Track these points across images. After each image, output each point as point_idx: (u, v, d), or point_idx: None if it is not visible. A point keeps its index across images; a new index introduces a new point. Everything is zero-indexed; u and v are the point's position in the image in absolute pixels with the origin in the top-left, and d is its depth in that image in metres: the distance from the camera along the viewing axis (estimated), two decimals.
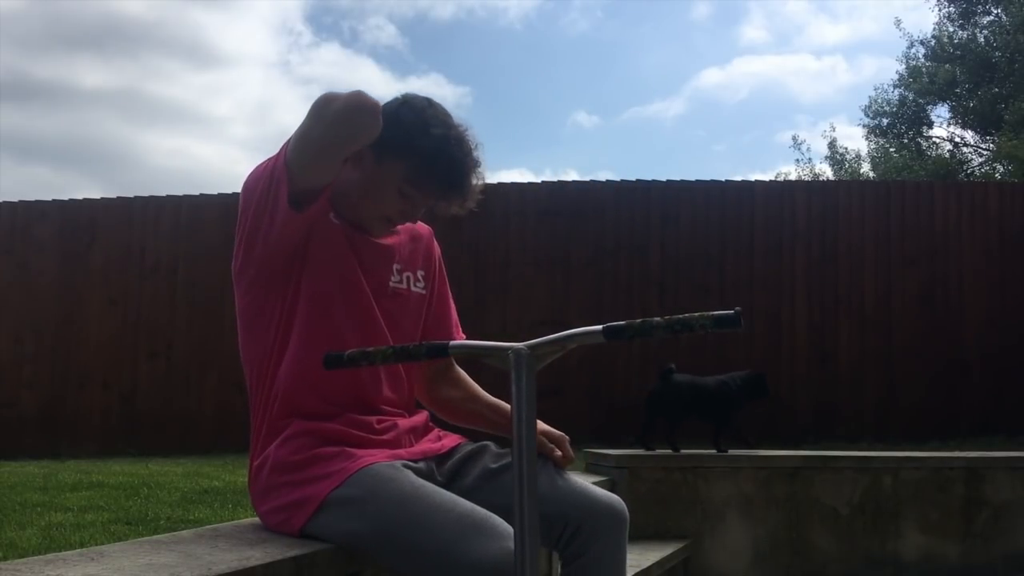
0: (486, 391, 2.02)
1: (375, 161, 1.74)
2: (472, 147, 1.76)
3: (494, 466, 1.78)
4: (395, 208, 1.78)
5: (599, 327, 1.35)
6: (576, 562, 1.72)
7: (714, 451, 4.23)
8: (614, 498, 1.78)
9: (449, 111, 1.78)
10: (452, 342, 1.52)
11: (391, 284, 1.84)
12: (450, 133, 1.73)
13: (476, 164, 1.77)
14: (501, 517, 1.54)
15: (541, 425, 1.81)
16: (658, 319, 1.37)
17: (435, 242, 2.00)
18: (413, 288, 1.89)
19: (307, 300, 1.75)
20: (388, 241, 1.86)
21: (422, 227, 1.98)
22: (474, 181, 1.78)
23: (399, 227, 1.88)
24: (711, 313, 1.34)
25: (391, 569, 1.60)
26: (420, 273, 1.92)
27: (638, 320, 1.38)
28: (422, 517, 1.51)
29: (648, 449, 4.22)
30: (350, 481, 1.61)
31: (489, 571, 1.44)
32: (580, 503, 1.73)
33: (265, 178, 1.69)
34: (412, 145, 1.71)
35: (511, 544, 1.45)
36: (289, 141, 1.66)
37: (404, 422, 1.81)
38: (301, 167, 1.64)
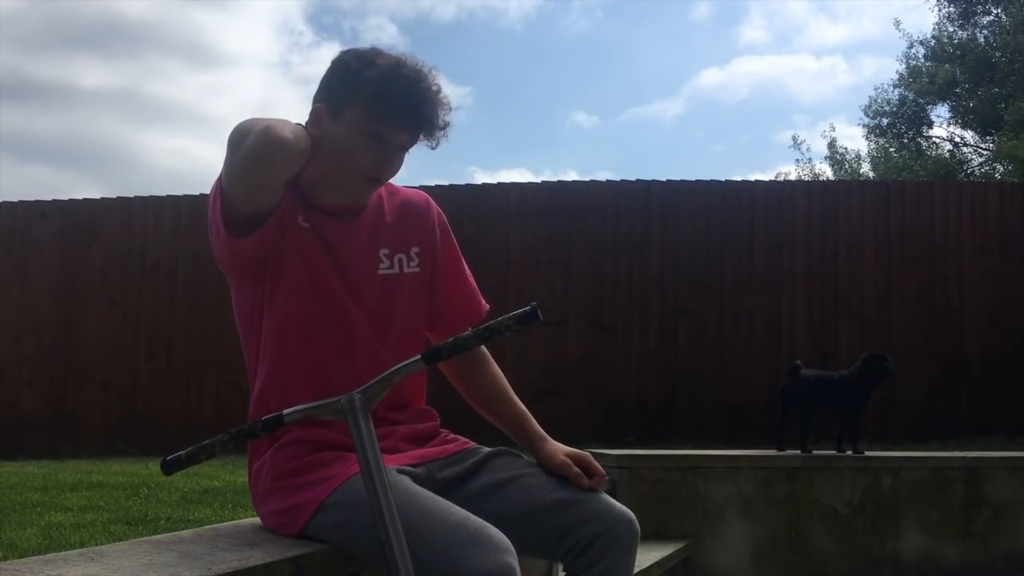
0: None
1: (333, 119, 1.67)
2: (426, 70, 1.69)
3: (503, 476, 1.75)
4: (369, 157, 1.67)
5: (417, 355, 1.44)
6: (587, 572, 1.68)
7: (834, 452, 4.23)
8: (628, 511, 1.75)
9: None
10: (286, 411, 1.48)
11: (380, 271, 1.78)
12: (398, 59, 1.68)
13: (435, 87, 1.69)
14: (507, 527, 1.52)
15: (563, 448, 1.80)
16: (468, 331, 1.45)
17: (433, 208, 1.90)
18: (406, 269, 1.81)
19: (281, 312, 1.72)
20: (370, 226, 1.79)
21: (416, 195, 1.89)
22: (438, 105, 1.69)
23: (386, 203, 1.81)
24: (512, 314, 1.41)
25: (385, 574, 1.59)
26: (414, 251, 1.83)
27: (450, 339, 1.47)
28: (416, 526, 1.48)
29: (780, 450, 4.24)
30: (344, 487, 1.59)
31: None
32: (597, 514, 1.70)
33: (211, 200, 1.67)
34: (361, 81, 1.64)
35: (506, 556, 1.44)
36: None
37: (403, 429, 1.79)
38: (235, 198, 1.62)
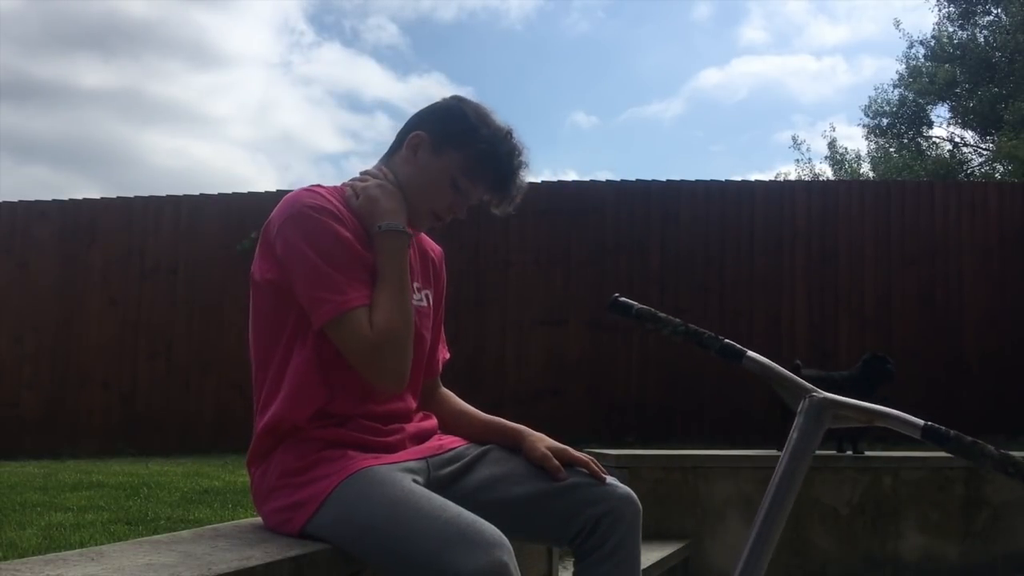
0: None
1: (433, 152, 1.77)
2: (523, 147, 1.81)
3: (501, 469, 1.78)
4: (445, 201, 1.79)
5: (920, 423, 1.29)
6: (594, 554, 1.71)
7: (834, 452, 4.25)
8: (629, 490, 1.79)
9: None
10: (750, 352, 1.47)
11: (413, 303, 1.79)
12: (508, 130, 1.80)
13: (526, 164, 1.81)
14: (512, 516, 1.53)
15: (546, 440, 1.81)
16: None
17: (444, 266, 2.00)
18: (424, 305, 1.87)
19: (296, 338, 1.71)
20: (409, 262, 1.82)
21: (434, 247, 1.97)
22: (523, 182, 1.82)
23: (414, 243, 1.85)
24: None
25: (381, 572, 1.59)
26: (426, 293, 1.89)
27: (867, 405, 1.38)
28: (410, 522, 1.49)
29: (782, 450, 4.22)
30: (346, 483, 1.60)
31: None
32: (600, 495, 1.73)
33: (297, 256, 1.66)
34: (475, 135, 1.75)
35: (497, 552, 1.44)
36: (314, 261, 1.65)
37: (411, 427, 1.80)
38: None
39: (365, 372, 1.64)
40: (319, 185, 1.80)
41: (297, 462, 1.69)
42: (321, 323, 1.63)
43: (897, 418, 1.28)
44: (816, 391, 1.36)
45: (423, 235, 1.95)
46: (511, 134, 1.79)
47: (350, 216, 1.72)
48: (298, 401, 1.70)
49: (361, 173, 1.83)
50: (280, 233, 1.68)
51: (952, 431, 1.26)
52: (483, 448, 1.85)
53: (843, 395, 1.36)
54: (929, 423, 1.28)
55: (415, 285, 1.84)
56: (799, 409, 1.33)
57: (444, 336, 2.02)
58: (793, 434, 1.32)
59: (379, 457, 1.67)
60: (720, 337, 1.46)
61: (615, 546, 1.71)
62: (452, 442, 1.86)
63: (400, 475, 1.62)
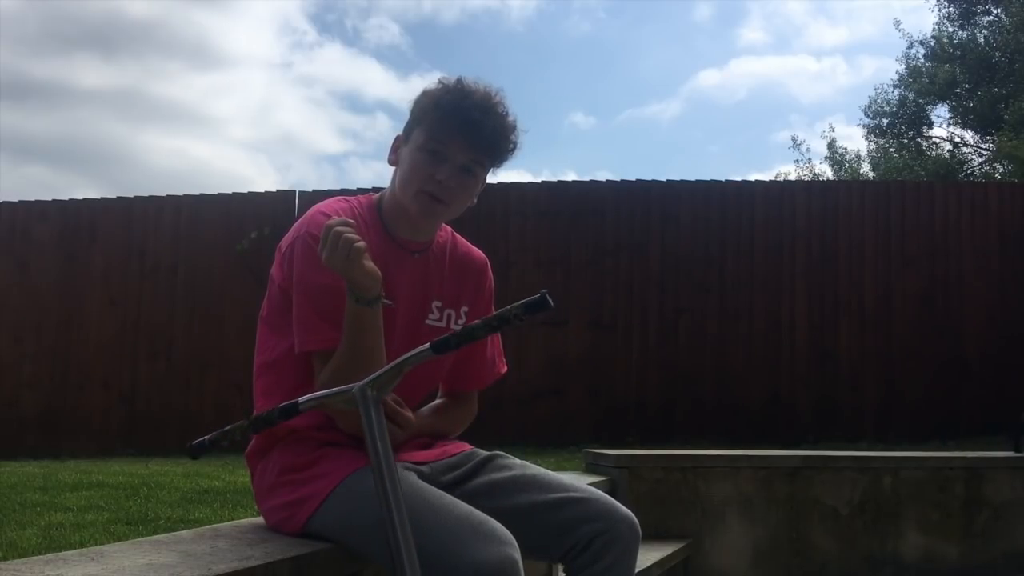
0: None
1: (406, 142, 1.76)
2: (488, 90, 1.73)
3: (501, 476, 1.77)
4: (427, 172, 1.70)
5: (427, 345, 1.38)
6: (584, 572, 1.68)
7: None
8: (630, 514, 1.75)
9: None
10: (302, 398, 1.46)
11: (428, 321, 1.80)
12: (460, 79, 1.74)
13: (495, 104, 1.72)
14: (507, 525, 1.53)
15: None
16: (478, 321, 1.42)
17: (488, 273, 1.92)
18: (453, 326, 1.82)
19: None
20: (431, 268, 1.81)
21: (477, 255, 1.91)
22: (493, 117, 1.71)
23: (448, 253, 1.82)
24: (520, 302, 1.37)
25: (388, 568, 1.59)
26: (463, 309, 1.85)
27: (461, 328, 1.48)
28: (420, 517, 1.49)
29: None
30: (350, 479, 1.61)
31: (490, 571, 1.43)
32: (597, 513, 1.70)
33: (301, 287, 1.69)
34: (427, 101, 1.73)
35: (509, 549, 1.44)
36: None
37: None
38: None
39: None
40: (345, 199, 1.78)
41: (297, 458, 1.69)
42: (296, 348, 1.69)
43: (412, 355, 1.39)
44: (356, 385, 1.41)
45: (462, 244, 1.89)
46: (461, 81, 1.73)
47: (363, 232, 1.68)
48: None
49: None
50: (288, 252, 1.72)
51: (450, 335, 1.39)
52: (486, 455, 1.84)
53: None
54: (434, 340, 1.39)
55: (434, 304, 1.80)
56: (358, 404, 1.40)
57: (501, 348, 1.96)
58: (364, 422, 1.40)
59: None
60: (271, 410, 1.49)
61: (606, 567, 1.67)
62: (455, 448, 1.86)
63: (406, 472, 1.62)
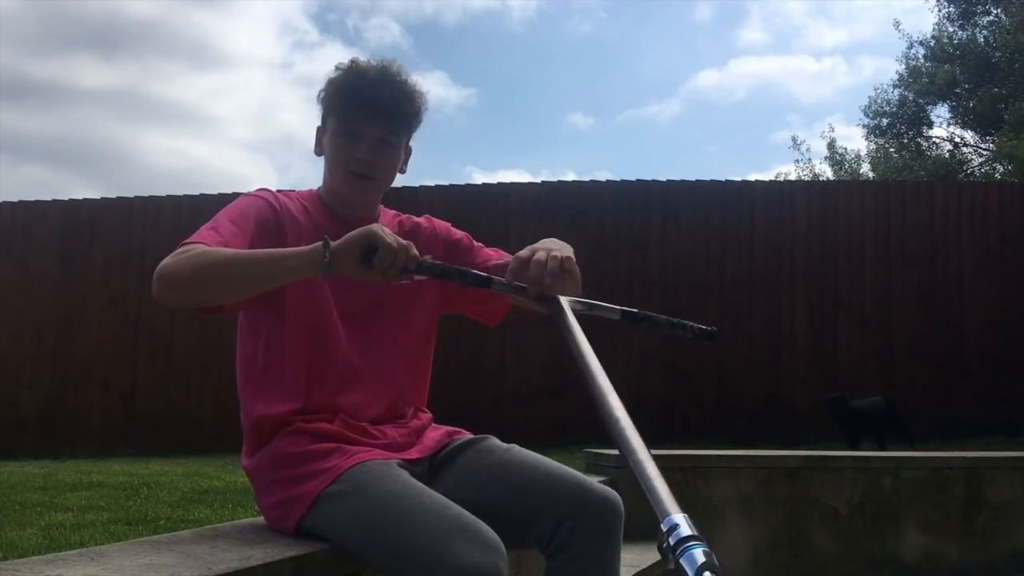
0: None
1: (325, 132, 1.84)
2: (386, 64, 1.81)
3: (480, 461, 1.75)
4: (346, 152, 1.79)
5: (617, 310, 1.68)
6: (562, 555, 1.61)
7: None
8: (608, 490, 1.67)
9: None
10: (496, 278, 1.63)
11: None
12: (356, 59, 1.83)
13: (396, 76, 1.80)
14: (482, 515, 1.51)
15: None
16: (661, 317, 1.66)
17: (435, 222, 1.98)
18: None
19: (272, 339, 1.78)
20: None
21: (421, 220, 1.96)
22: (394, 88, 1.79)
23: (396, 229, 1.85)
24: (693, 326, 1.69)
25: (378, 566, 1.59)
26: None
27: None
28: (409, 515, 1.50)
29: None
30: (342, 477, 1.61)
31: (473, 574, 1.41)
32: (570, 492, 1.64)
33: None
34: (327, 88, 1.81)
35: (494, 556, 1.43)
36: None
37: (398, 431, 1.80)
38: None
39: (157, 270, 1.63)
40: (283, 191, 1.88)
41: (291, 448, 1.70)
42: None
43: (603, 306, 1.69)
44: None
45: (409, 218, 1.95)
46: (356, 62, 1.82)
47: (294, 216, 1.78)
48: (279, 397, 1.74)
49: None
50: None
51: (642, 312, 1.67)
52: (470, 438, 1.83)
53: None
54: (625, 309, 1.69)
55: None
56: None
57: (488, 253, 2.00)
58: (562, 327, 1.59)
59: (371, 451, 1.68)
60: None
61: (585, 546, 1.61)
62: (442, 434, 1.86)
63: (398, 470, 1.63)
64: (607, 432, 1.30)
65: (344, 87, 1.78)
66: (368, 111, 1.77)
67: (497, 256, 1.95)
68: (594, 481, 1.69)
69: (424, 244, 1.84)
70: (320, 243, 1.55)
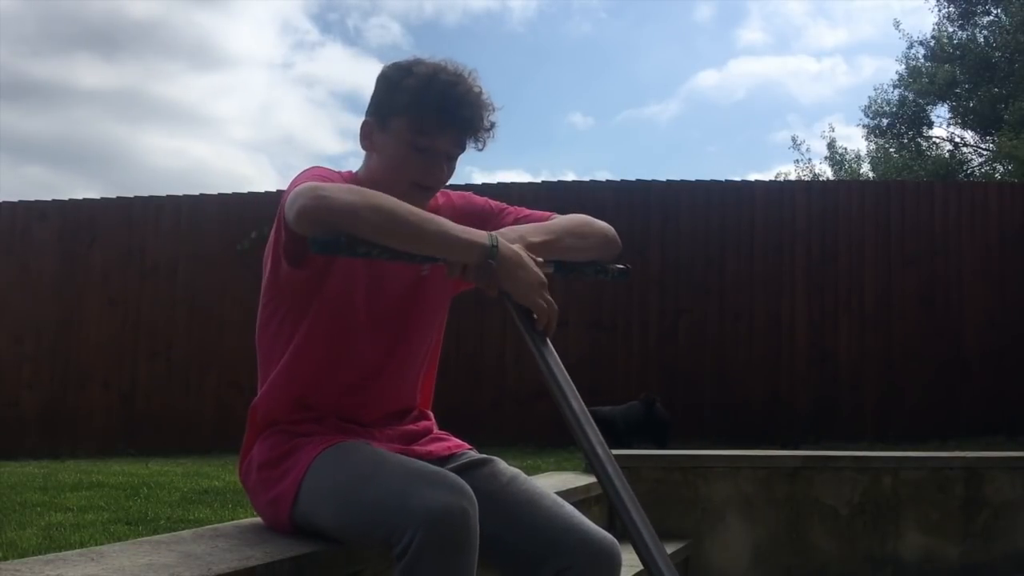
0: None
1: (381, 130, 1.71)
2: (464, 73, 1.70)
3: (484, 488, 1.65)
4: (417, 167, 1.69)
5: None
6: None
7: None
8: (609, 538, 1.64)
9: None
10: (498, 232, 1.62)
11: (422, 274, 1.76)
12: (435, 65, 1.69)
13: (476, 89, 1.70)
14: (493, 545, 1.51)
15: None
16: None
17: (464, 195, 1.88)
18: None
19: (305, 333, 1.71)
20: None
21: (451, 197, 1.87)
22: (479, 107, 1.69)
23: (444, 212, 1.76)
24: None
25: (354, 537, 1.58)
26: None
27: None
28: (375, 471, 1.53)
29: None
30: (315, 464, 1.61)
31: (438, 514, 1.41)
32: (574, 542, 1.61)
33: (279, 217, 1.64)
34: (401, 90, 1.67)
35: (460, 498, 1.44)
36: (300, 183, 1.55)
37: (392, 432, 1.78)
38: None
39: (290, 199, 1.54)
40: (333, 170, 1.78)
41: (272, 453, 1.70)
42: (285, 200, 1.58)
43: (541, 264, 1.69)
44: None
45: (449, 194, 1.87)
46: (439, 69, 1.68)
47: None
48: (278, 392, 1.72)
49: None
50: (287, 196, 1.62)
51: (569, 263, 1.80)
52: (476, 458, 1.78)
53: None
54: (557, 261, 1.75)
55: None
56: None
57: (527, 212, 1.88)
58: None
59: (352, 431, 1.69)
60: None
61: None
62: (444, 448, 1.81)
63: (365, 444, 1.64)
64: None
65: (429, 100, 1.65)
66: (452, 130, 1.68)
67: (528, 213, 1.85)
68: (594, 528, 1.66)
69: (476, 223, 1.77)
70: (487, 236, 1.56)
